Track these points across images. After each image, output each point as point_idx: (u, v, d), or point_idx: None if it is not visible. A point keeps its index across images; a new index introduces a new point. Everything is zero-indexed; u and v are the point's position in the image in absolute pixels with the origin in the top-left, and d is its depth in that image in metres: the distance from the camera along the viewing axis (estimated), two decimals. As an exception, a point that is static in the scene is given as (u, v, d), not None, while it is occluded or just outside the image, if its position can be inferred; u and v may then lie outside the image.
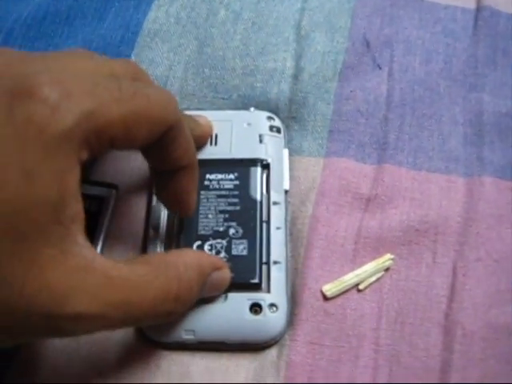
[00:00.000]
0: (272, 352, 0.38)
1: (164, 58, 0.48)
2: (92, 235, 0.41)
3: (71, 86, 0.27)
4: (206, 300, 0.38)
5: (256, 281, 0.38)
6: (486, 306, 0.39)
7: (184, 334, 0.37)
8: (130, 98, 0.29)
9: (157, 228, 0.40)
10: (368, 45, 0.49)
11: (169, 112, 0.32)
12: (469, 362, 0.38)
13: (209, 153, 0.42)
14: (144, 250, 0.40)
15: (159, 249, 0.39)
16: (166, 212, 0.41)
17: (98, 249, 0.40)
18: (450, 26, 0.51)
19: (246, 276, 0.38)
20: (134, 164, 0.44)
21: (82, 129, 0.27)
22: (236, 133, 0.43)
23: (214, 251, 0.39)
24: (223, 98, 0.47)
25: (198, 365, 0.38)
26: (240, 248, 0.39)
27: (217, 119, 0.44)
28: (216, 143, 0.43)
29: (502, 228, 0.42)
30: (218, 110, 0.45)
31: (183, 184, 0.36)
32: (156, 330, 0.38)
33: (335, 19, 0.50)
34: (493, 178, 0.44)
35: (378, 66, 0.48)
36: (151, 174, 0.43)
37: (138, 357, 0.38)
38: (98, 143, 0.28)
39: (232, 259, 0.38)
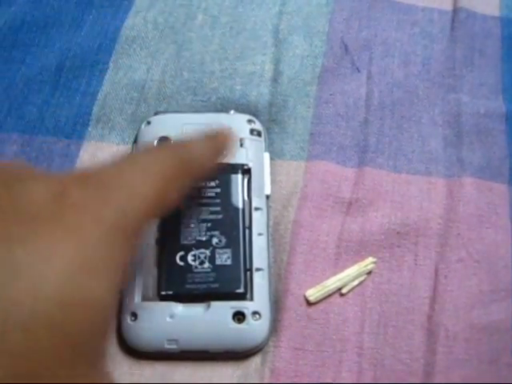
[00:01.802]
0: (256, 359, 0.38)
1: (142, 63, 0.48)
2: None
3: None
4: (189, 309, 0.37)
5: (241, 290, 0.38)
6: (468, 306, 0.40)
7: (167, 343, 0.37)
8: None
9: (137, 236, 0.40)
10: (346, 48, 0.49)
11: (185, 169, 0.31)
12: (452, 363, 0.38)
13: None
14: (125, 258, 0.40)
15: (139, 256, 0.39)
16: (146, 220, 0.40)
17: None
18: (428, 27, 0.51)
19: (230, 286, 0.38)
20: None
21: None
22: None
23: (197, 261, 0.39)
24: (202, 101, 0.46)
25: (182, 374, 0.37)
26: (224, 257, 0.39)
27: (196, 122, 0.43)
28: None
29: (482, 228, 0.42)
30: (197, 113, 0.45)
31: None
32: (138, 341, 0.37)
33: (313, 23, 0.50)
34: (473, 178, 0.44)
35: (357, 69, 0.48)
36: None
37: (121, 367, 0.38)
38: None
39: (216, 269, 0.38)
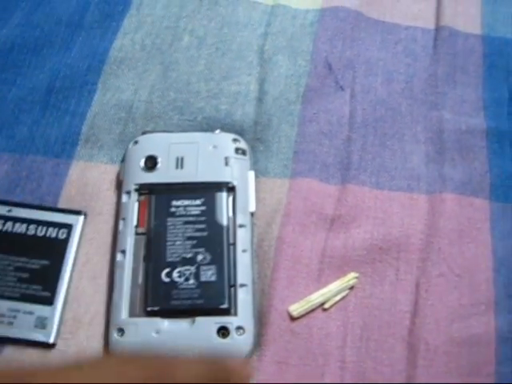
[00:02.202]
0: (240, 373, 0.39)
1: (130, 84, 0.49)
2: (61, 262, 0.41)
3: None
4: (175, 324, 0.38)
5: (225, 306, 0.39)
6: (448, 320, 0.40)
7: (152, 358, 0.38)
8: None
9: (124, 253, 0.41)
10: (330, 67, 0.50)
11: None
12: (432, 376, 0.39)
13: (175, 176, 0.43)
14: (112, 274, 0.41)
15: (126, 274, 0.40)
16: (132, 237, 0.41)
17: (67, 275, 0.41)
18: (411, 46, 0.52)
19: (215, 302, 0.39)
20: (101, 190, 0.45)
21: None
22: (202, 155, 0.44)
23: (182, 278, 0.39)
24: (188, 120, 0.47)
25: (168, 388, 0.38)
26: (208, 274, 0.40)
27: (183, 141, 0.45)
28: (182, 166, 0.44)
29: (463, 243, 0.43)
30: (183, 132, 0.46)
31: None
32: (125, 355, 0.38)
33: (297, 43, 0.51)
34: (454, 194, 0.45)
35: (341, 87, 0.49)
36: (118, 200, 0.44)
37: (108, 382, 0.38)
38: None
39: (201, 285, 0.39)
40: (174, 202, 0.42)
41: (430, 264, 0.42)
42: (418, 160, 0.47)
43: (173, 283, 0.39)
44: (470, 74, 0.51)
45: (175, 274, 0.40)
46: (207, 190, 0.42)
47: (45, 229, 0.42)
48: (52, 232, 0.42)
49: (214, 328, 0.38)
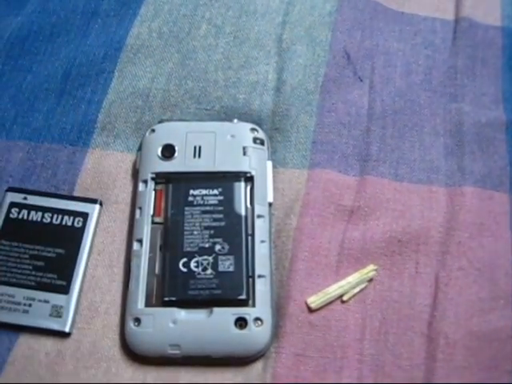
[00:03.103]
0: (257, 365, 0.38)
1: (147, 72, 0.48)
2: (76, 250, 0.41)
3: None
4: (192, 315, 0.38)
5: (243, 297, 0.38)
6: (468, 314, 0.40)
7: (169, 348, 0.37)
8: None
9: (140, 242, 0.40)
10: (349, 58, 0.49)
11: None
12: (452, 370, 0.38)
13: (193, 165, 0.43)
14: (128, 264, 0.41)
15: (143, 263, 0.40)
16: (149, 226, 0.41)
17: (83, 264, 0.41)
18: (430, 37, 0.52)
19: (233, 292, 0.38)
20: (117, 179, 0.44)
21: None
22: (220, 145, 0.43)
23: (200, 268, 0.39)
24: (206, 109, 0.47)
25: (184, 379, 0.38)
26: (226, 264, 0.39)
27: (200, 130, 0.44)
28: (200, 155, 0.43)
29: (483, 237, 0.43)
30: (201, 122, 0.46)
31: None
32: (142, 346, 0.38)
33: (316, 33, 0.50)
34: (473, 187, 0.45)
35: (359, 78, 0.49)
36: (134, 189, 0.43)
37: (125, 372, 0.38)
38: None
39: (219, 276, 0.39)
40: (192, 192, 0.41)
41: (450, 257, 0.42)
42: (437, 153, 0.46)
43: (190, 273, 0.39)
44: (489, 66, 0.51)
45: (193, 264, 0.39)
46: (225, 180, 0.42)
47: (60, 217, 0.42)
48: (68, 220, 0.42)
49: (232, 319, 0.38)
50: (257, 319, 0.38)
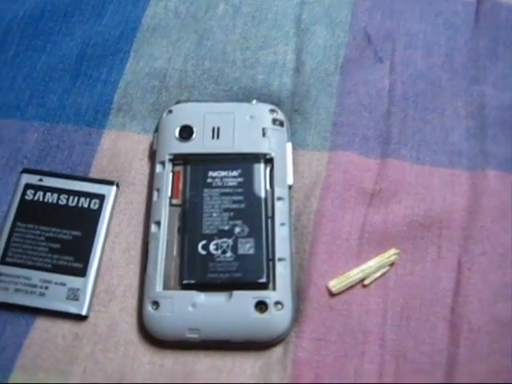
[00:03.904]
0: (278, 349, 0.38)
1: (163, 52, 0.48)
2: (93, 233, 0.40)
3: None
4: (211, 298, 0.37)
5: (264, 280, 0.38)
6: (491, 299, 0.39)
7: (188, 332, 0.37)
8: None
9: (158, 224, 0.40)
10: (369, 38, 0.49)
11: None
12: (475, 356, 0.38)
13: (211, 146, 0.42)
14: (145, 246, 0.40)
15: (161, 246, 0.39)
16: (167, 208, 0.40)
17: (99, 246, 0.40)
18: (451, 18, 0.51)
19: (253, 275, 0.38)
20: (134, 160, 0.44)
21: None
22: (238, 126, 0.43)
23: (219, 251, 0.38)
24: (224, 90, 0.46)
25: (203, 364, 0.37)
26: (246, 247, 0.39)
27: (219, 111, 0.43)
28: (218, 136, 0.42)
29: (506, 221, 0.42)
30: (219, 102, 0.45)
31: None
32: (160, 329, 0.37)
33: (335, 13, 0.49)
34: (496, 171, 0.44)
35: (380, 59, 0.48)
36: (152, 171, 0.43)
37: (142, 356, 0.38)
38: None
39: (238, 258, 0.38)
40: (211, 173, 0.41)
41: (473, 242, 0.41)
42: (458, 135, 0.45)
43: (209, 256, 0.38)
44: (512, 48, 0.50)
45: (212, 247, 0.39)
46: (244, 161, 0.41)
47: (76, 199, 0.41)
48: (84, 202, 0.41)
49: (252, 302, 0.37)
50: (277, 303, 0.37)
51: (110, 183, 0.42)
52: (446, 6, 0.51)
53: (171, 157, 0.42)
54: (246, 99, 0.45)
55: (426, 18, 0.50)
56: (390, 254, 0.40)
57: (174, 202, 0.41)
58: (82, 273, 0.39)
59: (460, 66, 0.48)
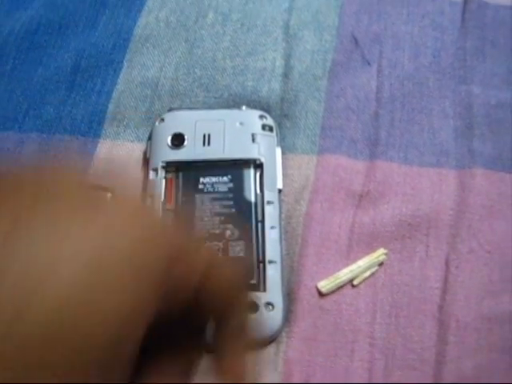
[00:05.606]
0: (269, 349, 0.39)
1: (155, 61, 0.49)
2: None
3: None
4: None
5: (254, 281, 0.39)
6: (479, 297, 0.40)
7: (182, 334, 0.38)
8: None
9: (152, 230, 0.41)
10: (356, 42, 0.49)
11: None
12: (463, 352, 0.38)
13: (202, 153, 0.43)
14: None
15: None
16: (160, 213, 0.41)
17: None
18: (438, 19, 0.51)
19: (243, 277, 0.39)
20: (128, 166, 0.45)
21: None
22: (229, 132, 0.44)
23: None
24: (215, 97, 0.47)
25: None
26: (237, 249, 0.40)
27: (209, 118, 0.44)
28: (209, 143, 0.43)
29: (493, 219, 0.43)
30: (210, 110, 0.46)
31: None
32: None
33: (323, 18, 0.50)
34: (484, 169, 0.44)
35: (368, 62, 0.49)
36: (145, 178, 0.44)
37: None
38: None
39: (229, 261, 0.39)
40: (202, 179, 0.42)
41: (460, 240, 0.42)
42: (446, 135, 0.46)
43: None
44: (499, 47, 0.50)
45: None
46: (235, 167, 0.42)
47: (73, 207, 0.43)
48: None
49: (243, 304, 0.38)
50: (268, 304, 0.38)
51: (105, 190, 0.43)
52: (433, 6, 0.52)
53: (164, 164, 0.43)
54: (237, 106, 0.46)
55: (413, 19, 0.51)
56: (379, 254, 0.41)
57: (168, 207, 0.42)
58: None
59: (447, 66, 0.49)
